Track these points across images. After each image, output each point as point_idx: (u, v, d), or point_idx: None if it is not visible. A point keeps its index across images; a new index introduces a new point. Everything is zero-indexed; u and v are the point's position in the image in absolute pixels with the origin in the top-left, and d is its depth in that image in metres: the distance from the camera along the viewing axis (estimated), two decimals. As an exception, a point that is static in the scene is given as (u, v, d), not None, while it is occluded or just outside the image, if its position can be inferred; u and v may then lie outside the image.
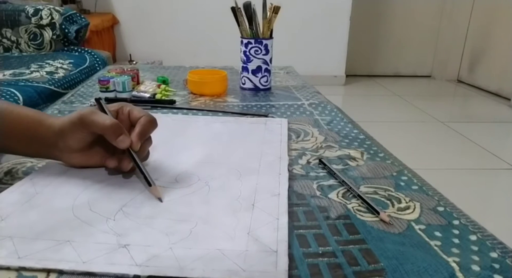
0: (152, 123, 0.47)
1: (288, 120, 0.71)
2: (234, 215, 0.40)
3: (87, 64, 1.63)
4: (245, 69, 0.94)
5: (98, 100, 0.48)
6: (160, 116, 0.73)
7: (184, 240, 0.36)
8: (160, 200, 0.43)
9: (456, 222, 0.41)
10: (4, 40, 1.75)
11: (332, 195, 0.46)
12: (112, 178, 0.47)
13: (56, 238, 0.36)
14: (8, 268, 0.32)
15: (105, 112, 0.46)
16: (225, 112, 0.77)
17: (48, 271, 0.32)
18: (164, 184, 0.46)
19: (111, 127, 0.43)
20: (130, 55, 2.94)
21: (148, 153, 0.50)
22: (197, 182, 0.47)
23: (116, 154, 0.48)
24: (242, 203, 0.43)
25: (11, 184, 0.46)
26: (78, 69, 1.53)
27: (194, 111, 0.78)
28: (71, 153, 0.47)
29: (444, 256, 0.35)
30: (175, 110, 0.78)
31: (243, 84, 0.95)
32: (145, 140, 0.47)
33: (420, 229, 0.39)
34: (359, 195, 0.45)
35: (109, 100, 0.82)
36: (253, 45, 0.91)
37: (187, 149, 0.58)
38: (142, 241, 0.36)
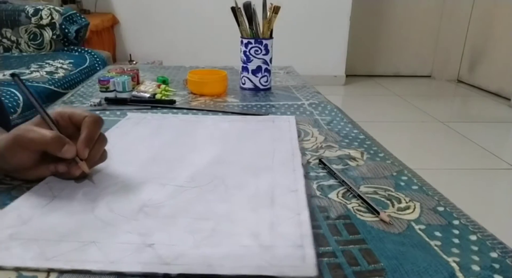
0: (97, 123, 0.45)
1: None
2: (254, 212, 0.41)
3: (87, 64, 1.63)
4: (245, 69, 0.94)
5: (16, 78, 0.44)
6: (167, 117, 0.73)
7: (209, 238, 0.36)
8: (90, 177, 0.45)
9: (456, 222, 0.41)
10: (4, 40, 1.75)
11: (332, 195, 0.46)
12: (126, 179, 0.47)
13: (80, 239, 0.36)
14: (17, 269, 0.32)
15: (45, 114, 0.44)
16: (225, 112, 0.77)
17: (48, 271, 0.32)
18: (181, 183, 0.47)
19: (52, 140, 0.41)
20: (130, 55, 2.94)
21: (105, 152, 0.48)
22: (213, 180, 0.48)
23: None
24: (261, 200, 0.43)
25: (11, 184, 0.46)
26: (78, 69, 1.53)
27: (194, 111, 0.78)
28: (21, 171, 0.45)
29: (444, 256, 0.35)
30: (175, 110, 0.78)
31: (243, 84, 0.95)
32: (96, 142, 0.45)
33: (420, 229, 0.39)
34: (359, 195, 0.45)
35: (109, 100, 0.82)
36: (253, 45, 0.91)
37: (199, 148, 0.58)
38: (166, 240, 0.36)
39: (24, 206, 0.41)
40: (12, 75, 0.45)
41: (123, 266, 0.32)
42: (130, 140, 0.60)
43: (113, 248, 0.34)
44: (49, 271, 0.32)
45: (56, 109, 0.46)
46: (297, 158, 0.54)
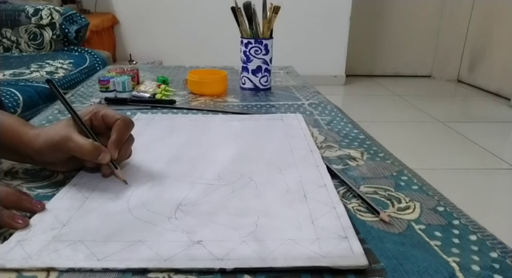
0: (127, 126, 0.48)
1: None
2: (290, 207, 0.42)
3: (87, 64, 1.62)
4: (245, 69, 0.94)
5: (51, 84, 0.48)
6: (176, 117, 0.73)
7: (254, 233, 0.37)
8: (125, 182, 0.46)
9: (456, 222, 0.41)
10: (4, 40, 1.75)
11: (332, 195, 0.46)
12: (154, 179, 0.48)
13: (126, 239, 0.36)
14: (50, 269, 0.32)
15: (78, 119, 0.47)
16: (225, 112, 0.77)
17: (48, 270, 0.32)
18: (210, 181, 0.47)
19: (88, 152, 0.44)
20: (130, 55, 2.94)
21: (131, 151, 0.51)
22: (240, 178, 0.48)
23: None
24: (293, 195, 0.44)
25: (11, 184, 0.46)
26: (78, 69, 1.53)
27: (194, 111, 0.78)
28: (54, 165, 0.49)
29: (444, 256, 0.35)
30: (175, 110, 0.78)
31: (243, 84, 0.95)
32: (125, 142, 0.48)
33: (420, 229, 0.39)
34: (359, 195, 0.45)
35: (109, 100, 0.82)
36: (253, 45, 0.91)
37: (218, 146, 0.59)
38: (213, 237, 0.36)
39: (58, 208, 0.41)
40: (48, 81, 0.48)
41: (178, 263, 0.33)
42: (145, 140, 0.60)
43: (162, 246, 0.35)
44: (49, 270, 0.32)
45: (91, 108, 0.49)
46: (317, 154, 0.55)
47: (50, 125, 0.49)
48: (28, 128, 0.48)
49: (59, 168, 0.50)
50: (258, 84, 0.94)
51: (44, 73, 1.36)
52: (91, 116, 0.48)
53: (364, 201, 0.44)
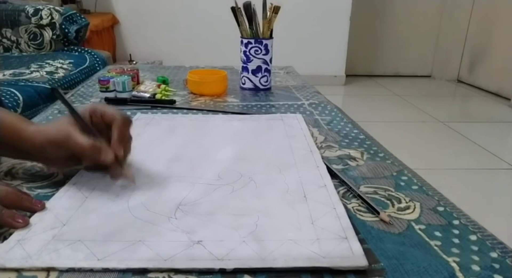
0: (127, 123, 0.48)
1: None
2: (291, 207, 0.42)
3: (87, 64, 1.62)
4: (245, 69, 0.94)
5: (56, 92, 0.47)
6: (176, 117, 0.73)
7: (254, 233, 0.37)
8: (134, 182, 0.45)
9: (456, 222, 0.41)
10: (4, 40, 1.75)
11: (332, 195, 0.46)
12: (154, 179, 0.48)
13: (126, 239, 0.36)
14: (48, 269, 0.32)
15: (78, 116, 0.46)
16: (225, 112, 0.77)
17: (48, 270, 0.32)
18: (210, 181, 0.47)
19: (90, 151, 0.44)
20: (130, 55, 2.94)
21: (130, 150, 0.50)
22: (240, 178, 0.48)
23: None
24: (293, 195, 0.44)
25: (11, 184, 0.46)
26: (78, 69, 1.53)
27: (194, 111, 0.78)
28: (54, 162, 0.48)
29: (444, 256, 0.35)
30: (175, 110, 0.78)
31: (243, 84, 0.95)
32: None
33: (420, 229, 0.39)
34: (359, 195, 0.45)
35: (109, 100, 0.82)
36: (253, 45, 0.91)
37: (218, 146, 0.59)
38: (213, 237, 0.36)
39: (58, 207, 0.41)
40: (52, 90, 0.49)
41: (178, 263, 0.33)
42: (145, 140, 0.60)
43: (162, 246, 0.35)
44: (49, 270, 0.32)
45: (89, 106, 0.49)
46: (317, 154, 0.55)
47: (51, 122, 0.49)
48: (27, 124, 0.48)
49: (58, 165, 0.49)
50: (258, 84, 0.94)
51: (44, 73, 1.36)
52: (91, 113, 0.48)
53: (364, 201, 0.44)
